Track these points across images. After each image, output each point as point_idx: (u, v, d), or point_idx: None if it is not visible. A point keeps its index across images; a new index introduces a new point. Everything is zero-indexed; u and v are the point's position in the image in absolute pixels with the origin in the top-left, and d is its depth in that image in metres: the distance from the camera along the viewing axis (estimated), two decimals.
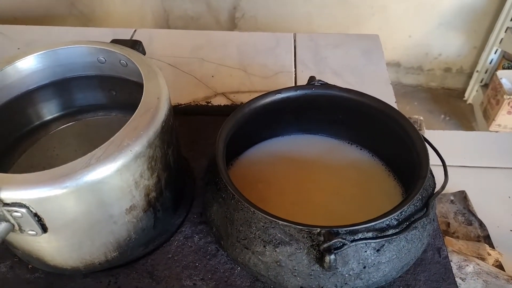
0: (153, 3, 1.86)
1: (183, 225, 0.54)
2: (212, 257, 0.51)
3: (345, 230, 0.39)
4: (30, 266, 0.50)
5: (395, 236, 0.40)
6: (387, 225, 0.41)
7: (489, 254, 0.68)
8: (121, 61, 0.52)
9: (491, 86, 1.67)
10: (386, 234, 0.40)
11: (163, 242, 0.52)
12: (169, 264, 0.51)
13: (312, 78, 0.56)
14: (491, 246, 0.73)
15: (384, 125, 0.52)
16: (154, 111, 0.44)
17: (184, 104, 0.73)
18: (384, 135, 0.53)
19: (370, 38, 0.86)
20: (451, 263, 0.59)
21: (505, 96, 1.54)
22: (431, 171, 0.49)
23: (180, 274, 0.50)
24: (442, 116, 1.87)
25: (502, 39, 1.70)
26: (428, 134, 0.95)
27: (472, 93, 1.88)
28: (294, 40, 0.88)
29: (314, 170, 0.57)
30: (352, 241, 0.38)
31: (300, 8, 1.81)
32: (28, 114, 0.56)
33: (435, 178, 0.49)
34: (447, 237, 0.70)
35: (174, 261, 0.51)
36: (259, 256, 0.42)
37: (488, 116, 1.68)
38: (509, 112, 1.58)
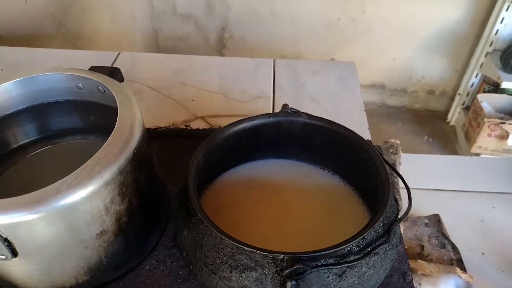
0: (142, 23, 1.88)
1: (156, 249, 0.55)
2: (183, 281, 0.52)
3: (307, 256, 0.40)
4: None
5: (356, 262, 0.41)
6: (348, 251, 0.42)
7: (460, 277, 0.70)
8: (99, 87, 0.53)
9: (472, 109, 1.72)
10: (348, 260, 0.41)
11: (135, 265, 0.53)
12: None
13: (285, 106, 0.58)
14: (463, 269, 0.75)
15: (352, 151, 0.54)
16: (126, 138, 0.45)
17: (163, 127, 0.74)
18: (353, 161, 0.55)
19: (346, 65, 0.89)
20: (419, 286, 0.60)
21: (485, 119, 1.58)
22: (395, 197, 0.51)
23: None
24: (426, 137, 1.90)
25: (482, 63, 1.75)
26: (405, 157, 0.97)
27: (455, 115, 1.92)
28: (274, 66, 0.90)
29: (287, 195, 0.59)
30: (313, 267, 0.40)
31: (287, 31, 1.86)
32: (6, 137, 0.57)
33: (404, 203, 0.51)
34: (418, 260, 0.71)
35: (145, 284, 0.52)
36: (226, 281, 0.43)
37: (470, 138, 1.71)
38: (489, 135, 1.62)
